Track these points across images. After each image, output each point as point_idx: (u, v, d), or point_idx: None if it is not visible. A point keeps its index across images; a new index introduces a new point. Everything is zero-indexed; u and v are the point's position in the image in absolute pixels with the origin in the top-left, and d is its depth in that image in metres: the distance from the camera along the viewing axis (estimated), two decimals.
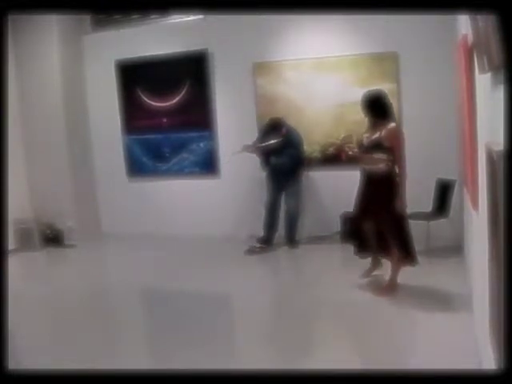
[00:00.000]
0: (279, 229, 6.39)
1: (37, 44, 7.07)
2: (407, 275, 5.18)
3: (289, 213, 6.33)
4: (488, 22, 1.64)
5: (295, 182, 6.26)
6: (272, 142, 6.16)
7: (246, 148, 6.24)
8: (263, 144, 6.22)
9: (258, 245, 6.25)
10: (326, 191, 6.47)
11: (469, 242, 4.37)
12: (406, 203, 4.56)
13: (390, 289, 4.59)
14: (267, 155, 6.27)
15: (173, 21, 6.99)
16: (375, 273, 4.94)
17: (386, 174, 4.50)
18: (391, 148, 4.46)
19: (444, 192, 5.62)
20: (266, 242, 6.29)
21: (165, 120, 7.19)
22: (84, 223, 7.34)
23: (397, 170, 4.51)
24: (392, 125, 4.52)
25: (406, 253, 4.64)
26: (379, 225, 4.63)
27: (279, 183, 6.27)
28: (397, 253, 4.62)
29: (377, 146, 4.49)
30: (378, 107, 4.55)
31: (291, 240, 6.34)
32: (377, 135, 4.50)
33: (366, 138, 4.59)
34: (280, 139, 6.13)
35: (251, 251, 6.18)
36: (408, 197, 5.94)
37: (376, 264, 4.96)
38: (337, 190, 6.31)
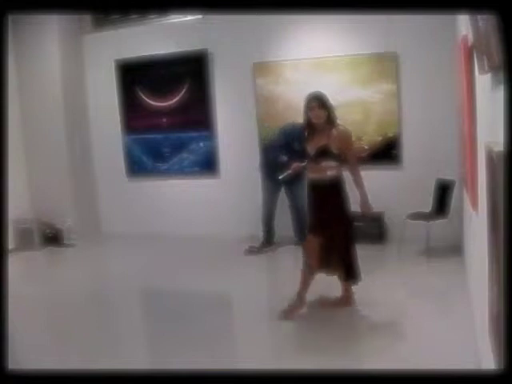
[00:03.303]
0: (284, 228, 6.38)
1: (37, 44, 7.07)
2: (407, 275, 5.19)
3: (297, 209, 6.25)
4: (488, 23, 1.64)
5: (301, 178, 6.20)
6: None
7: (295, 168, 5.97)
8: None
9: (258, 244, 6.24)
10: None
11: (468, 242, 4.37)
12: (370, 206, 4.25)
13: (345, 303, 4.35)
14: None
15: (172, 20, 6.99)
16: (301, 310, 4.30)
17: (335, 182, 4.11)
18: (341, 153, 4.10)
19: (444, 192, 5.63)
20: (267, 241, 6.28)
21: (164, 120, 7.19)
22: (84, 223, 7.34)
23: (350, 176, 4.17)
24: (340, 128, 4.14)
25: (350, 269, 4.31)
26: (330, 239, 4.18)
27: (277, 183, 6.24)
28: (342, 268, 4.30)
29: (325, 153, 4.09)
30: (329, 109, 4.14)
31: (303, 237, 6.28)
32: (323, 141, 4.10)
33: (310, 146, 4.19)
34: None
35: (251, 251, 6.18)
36: (408, 197, 6.01)
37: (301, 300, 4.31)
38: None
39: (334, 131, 4.09)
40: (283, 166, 5.92)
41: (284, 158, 5.89)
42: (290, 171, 5.90)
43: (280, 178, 5.74)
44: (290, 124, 6.09)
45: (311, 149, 4.18)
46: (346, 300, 4.34)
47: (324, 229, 4.16)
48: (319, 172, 4.12)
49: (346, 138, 4.15)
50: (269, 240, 6.31)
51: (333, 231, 4.17)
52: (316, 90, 4.24)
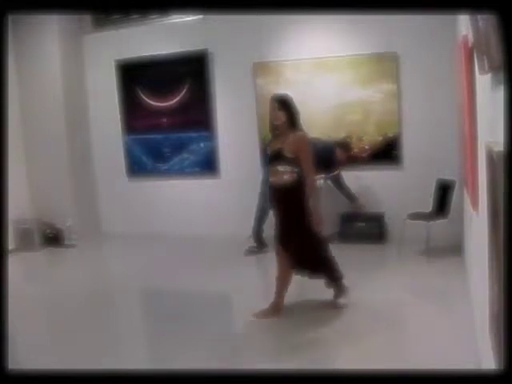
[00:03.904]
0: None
1: (37, 44, 7.07)
2: (407, 275, 5.19)
3: None
4: (488, 23, 1.64)
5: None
6: (331, 175, 6.20)
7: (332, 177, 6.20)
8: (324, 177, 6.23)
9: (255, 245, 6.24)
10: (325, 191, 6.46)
11: (469, 242, 4.37)
12: (322, 221, 4.08)
13: (333, 306, 4.30)
14: None
15: (173, 21, 6.99)
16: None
17: (292, 187, 3.98)
18: (296, 159, 3.97)
19: (444, 192, 5.63)
20: (260, 242, 6.26)
21: (165, 120, 7.19)
22: (84, 223, 7.34)
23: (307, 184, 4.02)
24: (298, 133, 4.03)
25: (331, 276, 4.24)
26: (295, 249, 4.12)
27: None
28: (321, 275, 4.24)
29: (280, 157, 3.99)
30: (290, 112, 4.05)
31: None
32: (279, 144, 4.02)
33: (269, 147, 4.16)
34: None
35: (251, 251, 6.18)
36: (408, 197, 6.01)
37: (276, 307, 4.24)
38: (336, 190, 6.31)
39: (290, 135, 4.00)
40: None
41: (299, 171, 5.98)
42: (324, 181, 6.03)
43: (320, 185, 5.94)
44: (313, 138, 6.19)
45: (269, 151, 4.14)
46: (333, 303, 4.31)
47: (286, 241, 4.11)
48: (275, 175, 4.04)
49: (299, 143, 3.99)
50: (260, 242, 6.26)
51: (295, 243, 4.09)
52: (281, 92, 4.17)
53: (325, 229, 4.25)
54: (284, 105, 4.05)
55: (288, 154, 3.96)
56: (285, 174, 3.98)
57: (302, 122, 4.15)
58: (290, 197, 4.01)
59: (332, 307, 4.27)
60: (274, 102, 4.09)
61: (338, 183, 6.22)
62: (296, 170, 3.97)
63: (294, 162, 3.96)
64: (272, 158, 4.06)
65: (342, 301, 4.32)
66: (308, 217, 4.01)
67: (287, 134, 4.02)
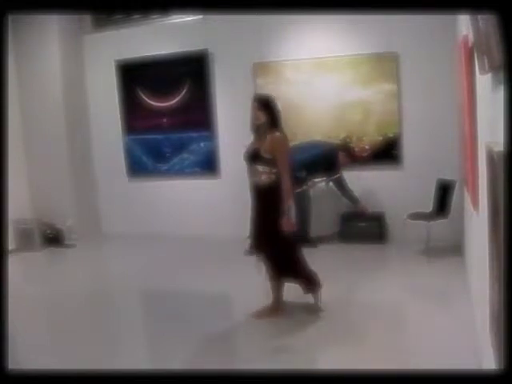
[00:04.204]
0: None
1: (37, 44, 7.08)
2: (408, 275, 5.18)
3: (302, 211, 6.26)
4: (488, 23, 1.64)
5: (303, 182, 6.22)
6: (333, 178, 6.21)
7: (311, 186, 6.24)
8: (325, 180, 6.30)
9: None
10: (325, 191, 6.47)
11: (469, 241, 4.37)
12: (293, 224, 4.06)
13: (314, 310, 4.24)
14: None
15: (173, 21, 6.99)
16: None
17: (270, 188, 3.96)
18: (274, 159, 3.94)
19: (444, 192, 5.62)
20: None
21: (165, 120, 7.19)
22: (84, 223, 7.34)
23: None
24: (275, 134, 3.97)
25: (305, 279, 4.17)
26: (270, 253, 4.11)
27: None
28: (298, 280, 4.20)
29: (257, 157, 3.99)
30: (270, 112, 4.01)
31: (306, 239, 6.30)
32: (257, 144, 4.02)
33: (250, 147, 4.13)
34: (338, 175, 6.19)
35: (251, 251, 6.17)
36: (408, 197, 6.01)
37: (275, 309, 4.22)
38: (336, 190, 6.31)
39: (268, 136, 3.97)
40: (300, 180, 6.07)
41: (303, 174, 6.02)
42: (305, 187, 6.04)
43: (296, 191, 5.94)
44: (315, 141, 6.24)
45: (248, 150, 4.13)
46: (315, 307, 4.24)
47: (258, 242, 4.11)
48: (254, 175, 4.03)
49: (276, 143, 3.94)
50: None
51: (267, 245, 4.07)
52: (262, 92, 4.15)
53: (295, 231, 4.19)
54: (264, 105, 4.01)
55: (265, 154, 3.95)
56: (263, 174, 3.97)
57: (287, 122, 4.17)
58: (267, 198, 3.98)
59: (311, 312, 4.21)
60: (254, 102, 4.06)
61: (341, 185, 6.23)
62: (274, 170, 3.94)
63: (272, 162, 3.94)
64: (250, 157, 4.06)
65: (318, 305, 4.25)
66: (280, 218, 3.94)
67: (267, 134, 3.99)
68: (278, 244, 4.03)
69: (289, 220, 3.96)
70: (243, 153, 4.17)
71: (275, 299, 4.22)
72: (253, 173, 4.04)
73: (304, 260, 4.21)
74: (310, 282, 4.19)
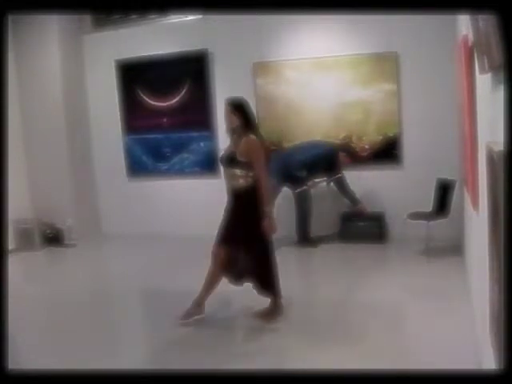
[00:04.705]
0: (284, 228, 6.38)
1: (37, 44, 7.07)
2: (408, 275, 5.18)
3: (303, 211, 6.27)
4: (488, 22, 1.64)
5: (304, 182, 6.22)
6: (333, 178, 6.21)
7: (311, 185, 6.22)
8: (325, 180, 6.28)
9: None
10: (325, 191, 6.47)
11: (469, 241, 4.37)
12: (274, 226, 3.98)
13: (271, 315, 4.14)
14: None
15: (173, 21, 6.99)
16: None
17: (246, 192, 3.94)
18: (250, 162, 3.91)
19: (444, 192, 5.62)
20: None
21: (165, 120, 7.19)
22: (84, 223, 7.34)
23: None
24: (249, 137, 3.95)
25: (264, 284, 4.13)
26: (237, 252, 4.07)
27: (281, 187, 6.25)
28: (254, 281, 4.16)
29: (233, 161, 3.96)
30: (244, 115, 3.99)
31: (306, 239, 6.30)
32: (233, 148, 4.01)
33: (226, 151, 4.12)
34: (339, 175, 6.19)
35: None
36: (408, 197, 6.01)
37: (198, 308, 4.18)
38: (336, 190, 6.31)
39: (243, 139, 3.95)
40: (301, 180, 6.06)
41: (303, 174, 6.01)
42: (305, 187, 6.03)
43: (297, 191, 5.92)
44: (316, 141, 6.23)
45: (224, 154, 4.12)
46: (269, 313, 4.15)
47: (231, 242, 4.05)
48: (231, 178, 4.01)
49: (250, 146, 3.92)
50: None
51: (239, 246, 4.03)
52: (235, 96, 4.13)
53: (277, 234, 4.12)
54: (237, 108, 4.01)
55: (240, 157, 3.93)
56: (240, 177, 3.95)
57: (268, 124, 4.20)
58: (244, 201, 3.96)
59: (258, 317, 4.13)
60: (227, 106, 4.05)
61: (341, 186, 6.23)
62: (251, 174, 3.93)
63: (248, 165, 3.92)
64: (226, 161, 4.04)
65: (273, 317, 4.15)
66: (259, 223, 3.91)
67: (242, 137, 3.97)
68: (254, 247, 4.01)
69: (271, 223, 3.94)
70: (219, 157, 4.14)
71: (200, 299, 4.15)
72: (230, 176, 4.02)
73: (275, 264, 4.17)
74: (271, 287, 4.13)
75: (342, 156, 6.17)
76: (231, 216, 4.07)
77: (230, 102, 4.07)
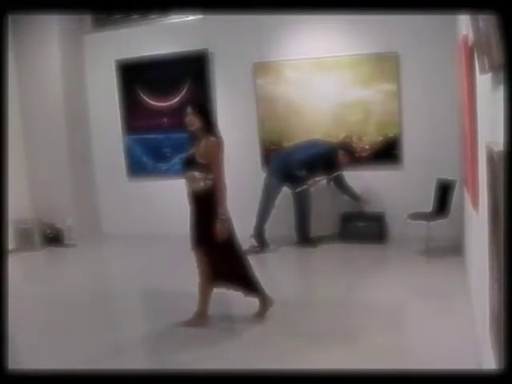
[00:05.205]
0: (285, 228, 6.39)
1: (37, 44, 7.07)
2: (408, 275, 5.18)
3: (302, 211, 6.28)
4: (488, 23, 1.64)
5: (304, 182, 6.21)
6: (333, 176, 6.20)
7: (311, 184, 6.20)
8: (325, 178, 6.26)
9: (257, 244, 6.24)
10: (325, 191, 6.47)
11: (469, 241, 4.37)
12: (228, 230, 3.98)
13: (264, 312, 4.18)
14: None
15: (173, 21, 6.99)
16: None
17: (206, 194, 3.95)
18: (209, 165, 3.92)
19: (444, 192, 5.62)
20: (262, 242, 6.26)
21: (165, 120, 7.19)
22: (84, 223, 7.34)
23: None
24: (209, 139, 3.96)
25: (244, 285, 4.13)
26: (208, 254, 4.08)
27: (281, 187, 6.24)
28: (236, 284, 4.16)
29: (193, 163, 3.98)
30: (204, 117, 4.01)
31: (306, 239, 6.30)
32: (193, 150, 4.04)
33: (188, 153, 4.14)
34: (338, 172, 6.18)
35: (252, 251, 6.17)
36: (408, 197, 6.01)
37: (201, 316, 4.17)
38: (336, 190, 6.31)
39: (203, 141, 3.97)
40: (300, 180, 6.05)
41: (303, 173, 6.01)
42: (305, 186, 6.03)
43: (297, 190, 5.91)
44: (315, 140, 6.22)
45: (185, 156, 4.13)
46: (259, 315, 4.17)
47: (199, 245, 4.08)
48: (191, 181, 4.01)
49: (209, 148, 3.93)
50: (262, 241, 6.27)
51: (207, 248, 4.05)
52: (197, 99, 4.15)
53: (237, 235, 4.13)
54: (197, 110, 4.01)
55: (200, 159, 3.93)
56: (200, 180, 3.95)
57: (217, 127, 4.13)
58: (204, 204, 3.97)
59: (256, 318, 4.15)
60: (187, 107, 4.06)
61: (341, 184, 6.23)
62: (211, 176, 3.92)
63: (207, 168, 3.92)
64: (187, 163, 4.05)
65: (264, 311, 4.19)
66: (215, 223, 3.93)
67: (202, 139, 3.98)
68: (217, 249, 4.01)
69: (223, 226, 3.93)
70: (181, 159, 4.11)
71: (202, 306, 4.16)
72: (189, 179, 4.02)
73: (248, 265, 4.17)
74: (251, 288, 4.14)
75: (341, 154, 6.17)
76: (196, 221, 4.10)
77: (192, 104, 4.11)
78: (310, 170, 6.16)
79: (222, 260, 4.09)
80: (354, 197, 6.24)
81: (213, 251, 4.05)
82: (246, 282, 4.14)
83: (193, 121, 4.01)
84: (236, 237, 4.13)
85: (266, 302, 4.21)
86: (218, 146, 3.98)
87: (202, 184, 3.95)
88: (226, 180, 3.96)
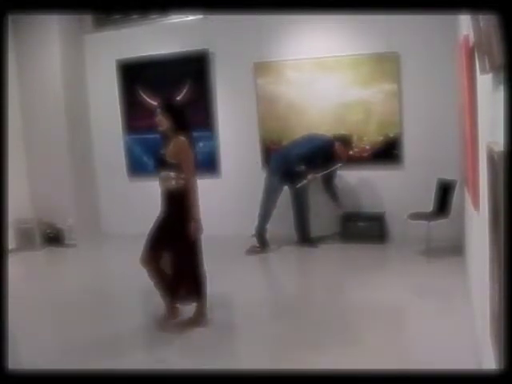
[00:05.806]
0: (285, 228, 6.39)
1: (37, 44, 7.07)
2: (408, 275, 5.18)
3: (302, 211, 6.27)
4: (489, 23, 1.63)
5: (303, 177, 6.20)
6: (333, 168, 6.18)
7: (311, 179, 6.12)
8: (325, 172, 6.19)
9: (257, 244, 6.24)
10: (325, 191, 6.46)
11: (470, 241, 4.37)
12: (200, 228, 4.00)
13: (195, 323, 4.13)
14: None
15: (173, 21, 6.99)
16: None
17: (178, 193, 3.97)
18: (180, 164, 3.95)
19: (445, 192, 5.62)
20: (263, 242, 6.27)
21: None
22: (84, 223, 7.34)
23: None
24: (178, 138, 3.98)
25: (195, 288, 4.13)
26: (172, 256, 4.08)
27: (282, 185, 6.23)
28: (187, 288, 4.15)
29: (165, 163, 4.03)
30: (174, 117, 4.02)
31: (306, 239, 6.30)
32: (164, 150, 4.08)
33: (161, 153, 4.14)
34: (339, 165, 6.16)
35: (253, 251, 6.18)
36: (409, 197, 6.01)
37: (174, 311, 4.24)
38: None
39: (173, 141, 3.99)
40: (300, 175, 6.04)
41: (302, 168, 5.99)
42: (305, 181, 6.02)
43: (297, 186, 5.89)
44: (312, 135, 6.21)
45: (159, 156, 4.13)
46: (195, 320, 4.14)
47: (164, 245, 4.07)
48: (163, 180, 4.05)
49: (178, 148, 3.96)
50: (263, 241, 6.27)
51: (173, 247, 4.05)
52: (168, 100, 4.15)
53: (199, 235, 4.07)
54: (167, 110, 4.04)
55: (170, 159, 3.97)
56: (172, 179, 3.98)
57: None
58: (176, 203, 3.98)
59: (193, 324, 4.11)
60: (157, 108, 4.09)
61: (328, 180, 6.22)
62: (183, 175, 3.95)
63: (178, 167, 3.94)
64: (160, 163, 4.09)
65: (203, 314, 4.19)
66: (186, 225, 3.94)
67: (172, 139, 4.00)
68: (182, 248, 4.01)
69: (197, 225, 3.94)
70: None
71: (169, 308, 4.18)
72: (162, 178, 4.05)
73: (202, 268, 4.17)
74: (199, 290, 4.13)
75: (338, 146, 6.14)
76: (164, 218, 4.10)
77: (162, 104, 4.15)
78: (309, 165, 6.09)
79: (184, 259, 4.07)
80: (335, 197, 6.27)
81: (179, 250, 4.03)
82: (198, 281, 4.12)
83: (162, 121, 4.04)
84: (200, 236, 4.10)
85: (203, 310, 4.17)
86: (187, 145, 3.99)
87: (173, 183, 3.98)
88: (195, 181, 3.99)
